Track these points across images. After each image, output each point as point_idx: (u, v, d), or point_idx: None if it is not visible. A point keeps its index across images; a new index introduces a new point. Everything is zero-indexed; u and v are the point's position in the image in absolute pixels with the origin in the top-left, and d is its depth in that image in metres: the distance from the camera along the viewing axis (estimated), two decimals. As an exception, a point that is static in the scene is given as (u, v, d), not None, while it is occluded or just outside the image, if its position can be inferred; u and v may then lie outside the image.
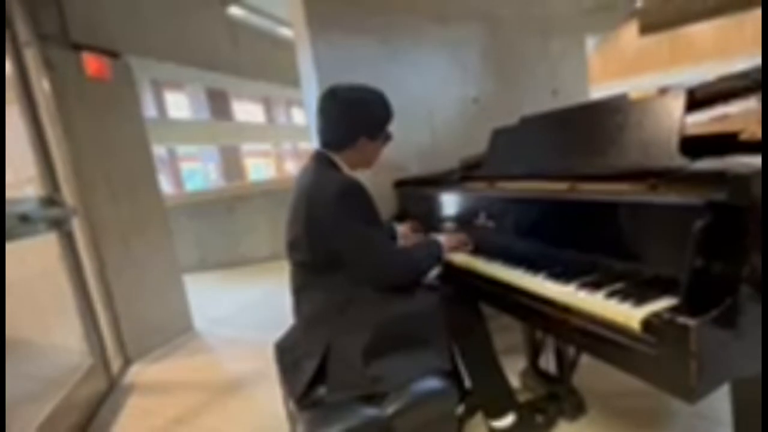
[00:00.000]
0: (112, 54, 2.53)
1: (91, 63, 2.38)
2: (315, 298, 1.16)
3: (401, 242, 1.54)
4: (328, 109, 1.20)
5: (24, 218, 1.58)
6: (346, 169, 1.22)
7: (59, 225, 1.94)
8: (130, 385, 2.20)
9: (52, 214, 1.88)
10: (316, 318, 1.14)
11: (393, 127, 1.31)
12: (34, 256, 1.99)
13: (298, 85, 2.00)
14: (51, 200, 1.89)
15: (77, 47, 2.32)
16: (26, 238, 1.60)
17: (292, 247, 1.19)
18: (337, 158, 1.22)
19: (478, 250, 1.29)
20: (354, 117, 1.19)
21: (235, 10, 7.78)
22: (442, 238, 1.27)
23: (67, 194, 2.14)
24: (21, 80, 1.88)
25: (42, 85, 2.12)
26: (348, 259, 1.11)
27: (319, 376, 1.05)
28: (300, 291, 1.21)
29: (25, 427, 1.48)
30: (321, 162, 1.21)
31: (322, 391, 1.04)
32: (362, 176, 1.26)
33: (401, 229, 1.58)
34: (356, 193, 1.11)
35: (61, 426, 1.68)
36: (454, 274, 1.28)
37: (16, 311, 1.78)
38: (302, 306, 1.21)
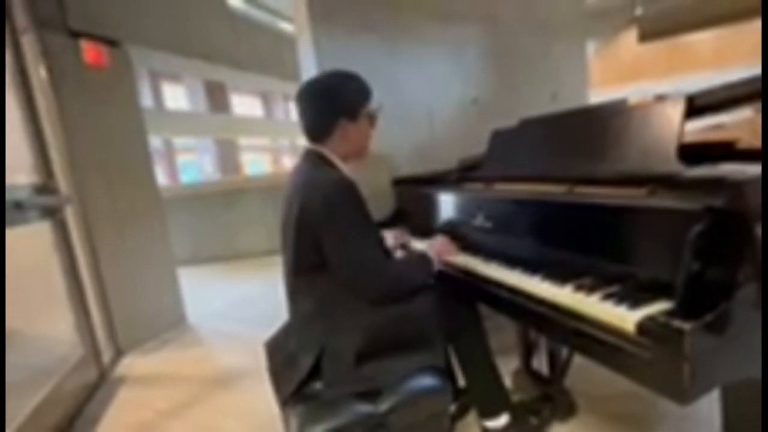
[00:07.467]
0: (111, 42, 2.50)
1: (90, 51, 2.36)
2: (309, 300, 1.14)
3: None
4: (304, 100, 1.19)
5: (18, 205, 1.56)
6: (339, 164, 1.19)
7: (52, 213, 1.92)
8: (121, 377, 2.19)
9: (45, 201, 1.86)
10: (310, 318, 1.13)
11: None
12: (24, 244, 1.96)
13: (297, 80, 1.99)
14: (45, 187, 1.87)
15: (75, 35, 2.29)
16: (19, 226, 1.58)
17: (286, 248, 1.17)
18: (327, 152, 1.19)
19: (475, 251, 1.29)
20: (329, 99, 1.17)
21: (235, 2, 7.73)
22: (430, 251, 1.25)
23: (62, 182, 2.12)
24: (18, 67, 1.86)
25: (39, 72, 2.09)
26: (336, 270, 1.08)
27: (314, 371, 1.05)
28: (294, 293, 1.20)
29: (12, 418, 1.46)
30: (312, 160, 1.18)
31: (315, 386, 1.04)
32: (360, 174, 1.25)
33: (388, 238, 1.49)
34: (346, 195, 1.07)
35: (48, 417, 1.66)
36: (451, 273, 1.28)
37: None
38: (296, 307, 1.20)
